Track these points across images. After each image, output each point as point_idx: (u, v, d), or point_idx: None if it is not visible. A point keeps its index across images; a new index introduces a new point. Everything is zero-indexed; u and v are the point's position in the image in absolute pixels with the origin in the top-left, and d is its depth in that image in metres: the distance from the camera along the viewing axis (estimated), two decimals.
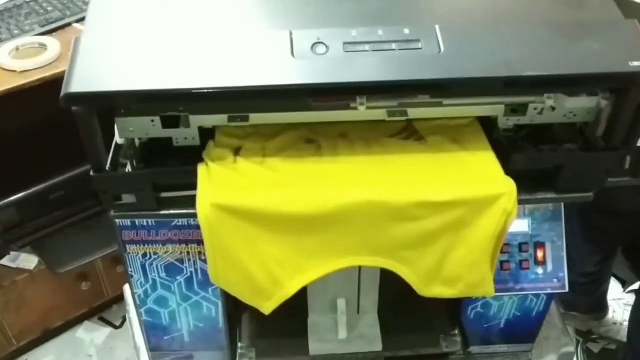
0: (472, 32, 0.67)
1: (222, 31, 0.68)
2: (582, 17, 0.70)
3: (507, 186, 0.67)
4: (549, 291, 0.89)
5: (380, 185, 0.66)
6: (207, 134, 0.74)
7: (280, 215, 0.66)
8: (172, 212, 0.74)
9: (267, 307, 0.73)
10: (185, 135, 0.73)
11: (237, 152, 0.70)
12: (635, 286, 1.64)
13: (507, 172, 0.71)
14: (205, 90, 0.63)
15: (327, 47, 0.65)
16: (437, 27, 0.67)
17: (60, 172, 1.26)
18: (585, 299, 1.54)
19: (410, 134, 0.74)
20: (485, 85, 0.66)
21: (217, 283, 0.72)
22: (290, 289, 0.71)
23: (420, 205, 0.65)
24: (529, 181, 0.76)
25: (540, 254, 0.88)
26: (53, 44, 1.15)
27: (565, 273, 0.89)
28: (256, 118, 0.71)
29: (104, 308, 1.68)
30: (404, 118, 0.71)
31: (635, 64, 0.65)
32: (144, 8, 0.70)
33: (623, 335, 1.57)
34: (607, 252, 1.43)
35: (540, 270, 0.89)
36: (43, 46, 1.15)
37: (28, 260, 1.43)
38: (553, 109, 0.73)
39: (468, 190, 0.66)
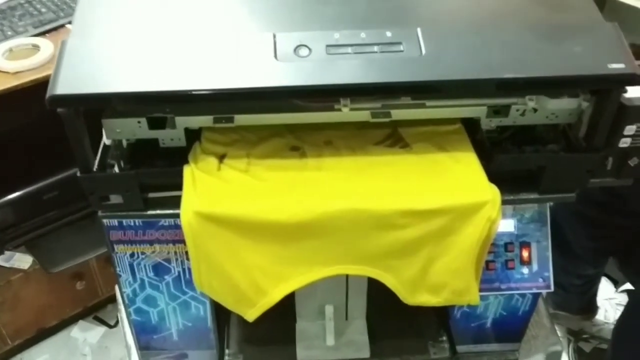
0: (454, 35, 0.68)
1: (206, 33, 0.69)
2: (563, 20, 0.71)
3: (491, 194, 0.67)
4: (535, 290, 0.90)
5: (364, 193, 0.67)
6: (193, 135, 0.75)
7: (264, 224, 0.66)
8: (158, 212, 0.75)
9: (251, 315, 0.73)
10: (171, 137, 0.74)
11: (221, 158, 0.71)
12: (627, 286, 1.65)
13: (491, 172, 0.72)
14: (190, 92, 0.64)
15: (309, 49, 0.66)
16: (418, 29, 0.68)
17: (54, 172, 1.27)
18: (577, 299, 1.55)
19: (395, 141, 0.74)
20: (466, 87, 0.67)
21: (201, 289, 0.72)
22: (274, 297, 0.72)
23: (404, 214, 0.66)
24: (513, 182, 0.77)
25: (525, 253, 0.89)
26: (46, 45, 1.16)
27: (550, 272, 0.89)
28: (241, 119, 0.72)
29: (98, 307, 1.69)
30: (387, 119, 0.72)
31: (615, 66, 0.66)
32: (130, 10, 0.72)
33: None
34: (609, 253, 1.43)
35: (525, 270, 0.89)
36: (36, 47, 1.16)
37: (22, 260, 1.44)
38: (535, 110, 0.74)
39: (452, 198, 0.67)
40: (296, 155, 0.72)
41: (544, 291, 0.90)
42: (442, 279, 0.71)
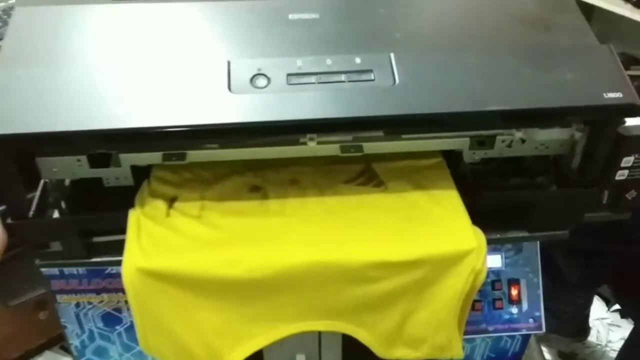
0: (431, 61, 0.60)
1: (151, 61, 0.60)
2: (553, 42, 0.64)
3: (475, 241, 0.59)
4: (525, 332, 0.83)
5: (332, 243, 0.58)
6: (143, 172, 0.67)
7: (219, 280, 0.58)
8: (104, 259, 0.67)
9: None
10: (116, 175, 0.65)
11: (171, 202, 0.63)
12: (619, 306, 1.59)
13: (475, 209, 0.65)
14: (132, 131, 0.56)
15: (268, 79, 0.58)
16: (391, 55, 0.60)
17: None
18: (569, 323, 1.48)
19: (368, 178, 0.66)
20: (445, 121, 0.59)
21: (148, 352, 0.63)
22: None
23: (377, 266, 0.58)
24: (498, 217, 0.70)
25: (514, 291, 0.82)
26: None
27: (541, 312, 0.82)
28: (194, 156, 0.64)
29: (64, 337, 1.59)
30: (359, 154, 0.64)
31: (611, 95, 0.58)
32: (66, 37, 0.63)
33: (607, 357, 1.52)
34: (603, 280, 1.36)
35: (514, 310, 0.82)
36: None
37: None
38: (523, 141, 0.66)
39: (431, 247, 0.59)
40: (257, 197, 0.64)
41: (535, 333, 0.83)
42: (422, 333, 0.63)
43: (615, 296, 1.31)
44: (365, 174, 0.67)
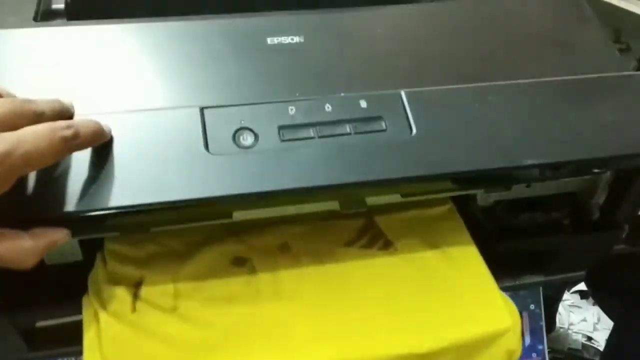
0: (449, 100, 0.50)
1: (92, 108, 0.46)
2: (583, 70, 0.54)
3: (510, 318, 0.50)
4: None
5: (343, 336, 0.47)
6: (92, 242, 0.53)
7: None
8: (49, 352, 0.54)
9: None
10: (61, 251, 0.52)
11: (137, 288, 0.50)
12: (580, 286, 1.59)
13: (488, 257, 0.56)
14: (78, 215, 0.42)
15: (255, 135, 0.46)
16: (402, 94, 0.49)
17: None
18: None
19: (373, 237, 0.55)
20: (479, 179, 0.49)
21: None
22: None
23: (401, 359, 0.48)
24: (512, 261, 0.62)
25: None
26: None
27: (545, 345, 0.76)
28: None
29: None
30: (362, 209, 0.54)
31: None
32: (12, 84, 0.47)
33: (571, 339, 1.52)
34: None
35: None
36: None
37: None
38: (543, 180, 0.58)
39: (461, 331, 0.49)
40: (242, 273, 0.52)
41: None
42: None
43: (593, 296, 1.28)
44: (369, 231, 0.56)
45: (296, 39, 0.53)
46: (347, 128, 0.47)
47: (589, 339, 1.53)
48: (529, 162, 0.47)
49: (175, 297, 0.49)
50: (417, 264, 0.53)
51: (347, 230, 0.56)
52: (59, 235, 0.41)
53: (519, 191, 0.59)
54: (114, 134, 0.43)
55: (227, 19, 0.53)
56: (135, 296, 0.49)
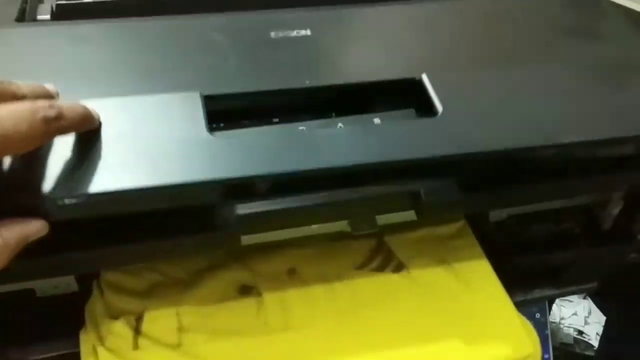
0: (474, 81, 0.46)
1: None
2: (611, 54, 0.51)
3: (531, 344, 0.48)
4: None
5: None
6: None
7: None
8: None
9: None
10: (53, 283, 0.48)
11: (138, 323, 0.46)
12: None
13: (501, 272, 0.54)
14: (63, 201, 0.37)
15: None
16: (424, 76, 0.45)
17: None
18: None
19: (384, 260, 0.53)
20: (518, 157, 0.45)
21: None
22: None
23: None
24: (524, 275, 0.60)
25: None
26: None
27: (550, 354, 0.75)
28: None
29: None
30: (373, 230, 0.51)
31: None
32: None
33: (562, 333, 1.52)
34: None
35: None
36: None
37: None
38: None
39: (479, 358, 0.47)
40: (249, 302, 0.48)
41: None
42: None
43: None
44: (380, 253, 0.53)
45: (302, 32, 0.50)
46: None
47: (580, 333, 1.54)
48: (571, 139, 0.44)
49: (179, 332, 0.46)
50: (432, 289, 0.51)
51: (357, 252, 0.53)
52: (33, 228, 0.33)
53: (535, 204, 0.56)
54: (105, 117, 0.38)
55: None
56: (137, 331, 0.46)
